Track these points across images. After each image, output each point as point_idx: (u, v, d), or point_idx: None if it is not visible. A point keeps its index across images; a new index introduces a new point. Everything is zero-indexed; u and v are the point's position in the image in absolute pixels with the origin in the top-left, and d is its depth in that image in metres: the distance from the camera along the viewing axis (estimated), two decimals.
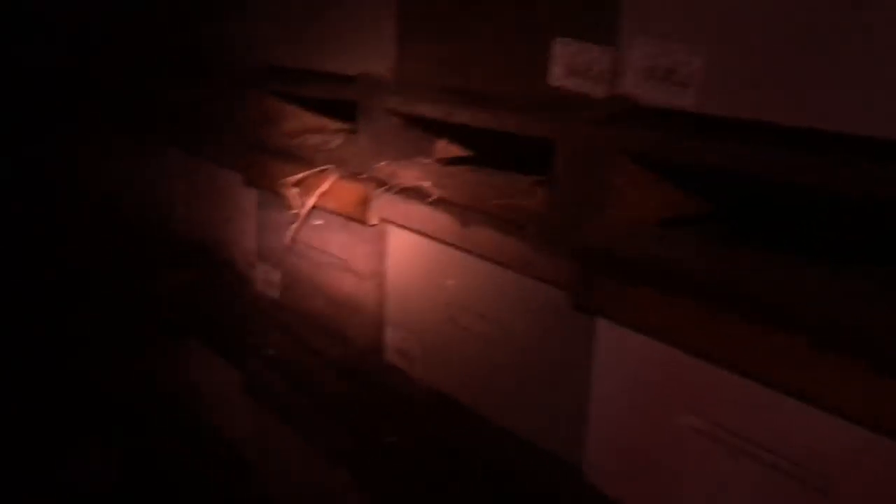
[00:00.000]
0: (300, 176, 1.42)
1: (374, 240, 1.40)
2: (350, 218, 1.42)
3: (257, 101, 1.62)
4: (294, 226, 1.50)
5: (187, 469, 2.17)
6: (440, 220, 1.23)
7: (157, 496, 2.27)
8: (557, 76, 1.06)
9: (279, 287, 1.70)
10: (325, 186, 1.40)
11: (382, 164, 1.32)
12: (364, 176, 1.37)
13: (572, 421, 1.10)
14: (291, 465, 1.76)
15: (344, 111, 1.46)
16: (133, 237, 2.42)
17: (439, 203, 1.22)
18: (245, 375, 1.84)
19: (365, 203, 1.37)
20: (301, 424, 1.68)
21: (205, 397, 2.14)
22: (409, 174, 1.28)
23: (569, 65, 1.04)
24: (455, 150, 1.36)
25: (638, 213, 1.00)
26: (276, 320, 1.73)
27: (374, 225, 1.38)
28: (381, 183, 1.33)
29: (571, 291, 1.05)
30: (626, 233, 1.00)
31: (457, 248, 1.22)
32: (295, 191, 1.43)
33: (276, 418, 1.77)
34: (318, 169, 1.42)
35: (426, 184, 1.22)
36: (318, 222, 1.53)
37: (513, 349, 1.19)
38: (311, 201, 1.42)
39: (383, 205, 1.35)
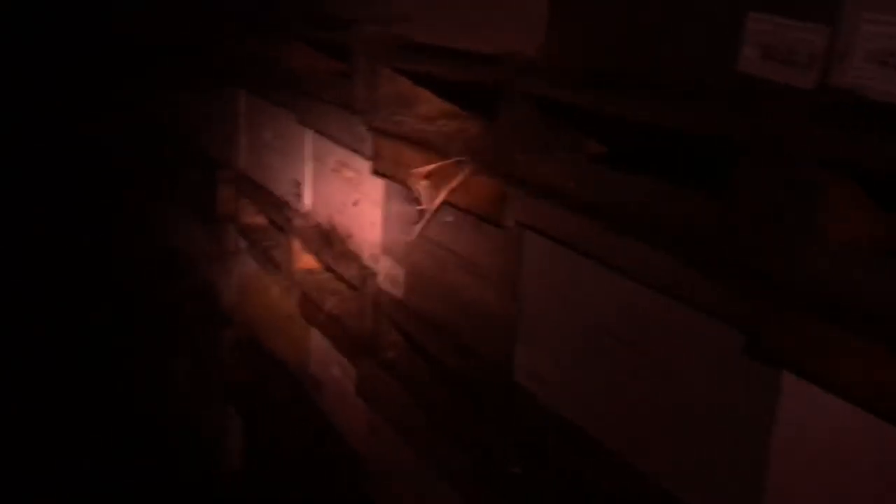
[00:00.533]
0: (431, 167, 1.26)
1: (509, 244, 1.22)
2: (482, 218, 1.25)
3: (389, 79, 1.47)
4: (421, 222, 1.35)
5: (301, 453, 2.08)
6: (586, 228, 1.04)
7: (275, 472, 2.21)
8: (750, 61, 0.85)
9: (402, 285, 1.55)
10: (457, 181, 1.24)
11: (523, 158, 1.14)
12: (501, 171, 1.19)
13: (741, 488, 0.89)
14: (399, 471, 1.62)
15: (481, 96, 1.28)
16: None
17: (586, 208, 1.03)
18: (358, 375, 1.71)
19: (500, 202, 1.20)
20: (412, 434, 1.53)
21: (323, 389, 2.04)
22: (553, 172, 1.09)
23: (766, 46, 0.83)
24: (604, 148, 1.16)
25: (850, 239, 0.78)
26: (396, 321, 1.59)
27: (509, 228, 1.21)
28: (519, 180, 1.15)
29: (750, 332, 0.84)
30: (831, 264, 0.78)
31: (605, 263, 1.03)
32: (424, 184, 1.27)
33: (386, 422, 1.63)
34: (450, 160, 1.25)
35: (571, 184, 1.03)
36: (449, 219, 1.37)
37: (668, 388, 1.00)
38: (440, 196, 1.26)
39: (521, 205, 1.17)
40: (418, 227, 1.34)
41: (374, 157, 1.54)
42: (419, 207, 1.29)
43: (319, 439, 1.99)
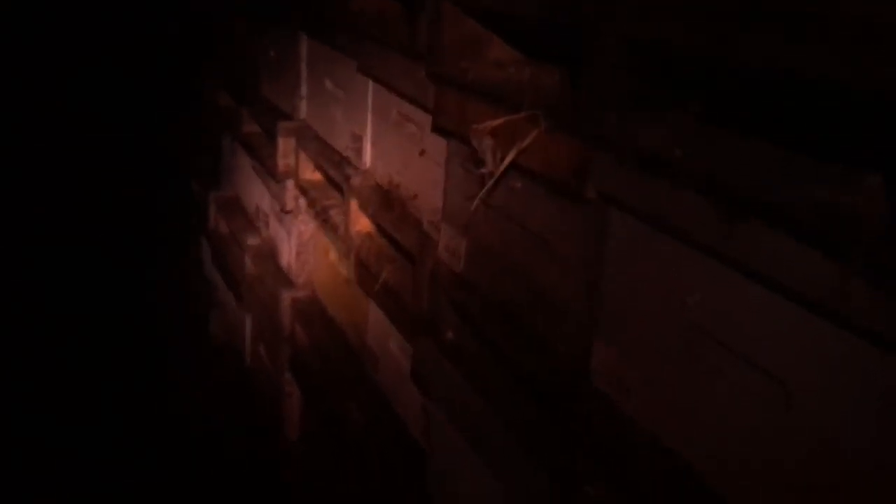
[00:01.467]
0: (498, 122, 1.04)
1: (590, 221, 1.00)
2: (558, 187, 1.03)
3: (453, 20, 1.25)
4: (486, 186, 1.13)
5: (358, 433, 1.92)
6: (693, 208, 0.81)
7: (331, 451, 2.07)
8: None
9: (463, 259, 1.35)
10: (528, 140, 1.02)
11: (612, 116, 0.91)
12: (583, 131, 0.97)
13: None
14: (454, 468, 1.43)
15: (561, 39, 1.05)
16: None
17: (694, 183, 0.80)
18: (413, 356, 1.52)
19: (581, 169, 0.97)
20: (470, 429, 1.34)
21: (380, 366, 1.86)
22: (652, 134, 0.86)
23: None
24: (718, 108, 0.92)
25: None
26: (455, 298, 1.39)
27: (591, 201, 0.99)
28: (606, 143, 0.92)
29: None
30: None
31: (714, 254, 0.80)
32: (490, 142, 1.06)
33: (442, 411, 1.44)
34: (522, 115, 1.03)
35: (676, 152, 0.80)
36: (518, 185, 1.16)
37: (792, 416, 0.77)
38: (508, 157, 1.04)
39: (607, 174, 0.94)
40: (482, 193, 1.12)
41: (436, 110, 1.33)
42: (483, 169, 1.08)
43: (376, 419, 1.83)
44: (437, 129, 1.34)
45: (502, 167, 1.05)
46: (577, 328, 1.06)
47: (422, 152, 1.52)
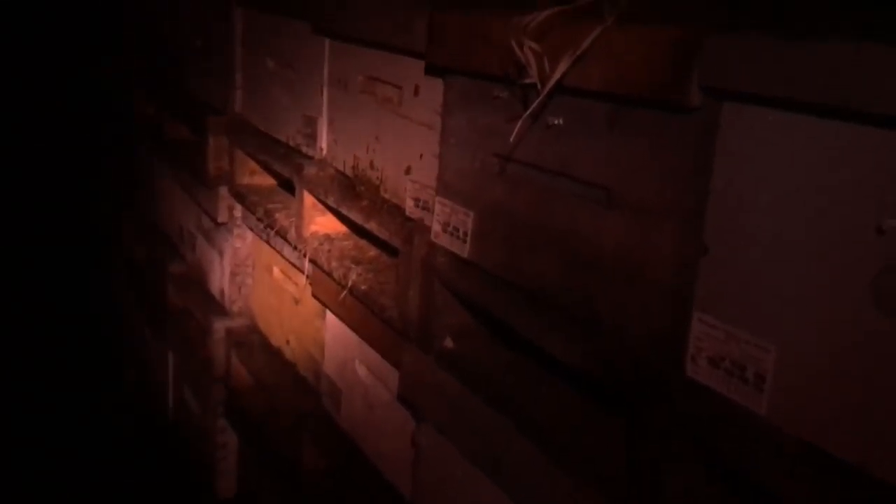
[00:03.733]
0: (545, 15, 0.74)
1: (689, 141, 0.71)
2: (639, 100, 0.73)
3: None
4: (527, 110, 0.82)
5: (313, 482, 1.55)
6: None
7: None
8: None
9: (469, 237, 1.03)
10: (591, 37, 0.72)
11: None
12: (681, 11, 0.67)
13: None
14: None
15: None
16: None
17: None
18: (402, 373, 1.19)
19: (677, 66, 0.68)
20: (485, 453, 1.01)
21: (342, 398, 1.52)
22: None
23: None
24: None
25: None
26: (460, 290, 1.07)
27: (693, 109, 0.69)
28: (718, 20, 0.63)
29: None
30: None
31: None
32: (533, 45, 0.75)
33: (445, 442, 1.11)
34: (575, 3, 0.73)
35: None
36: (556, 121, 0.85)
37: None
38: (561, 66, 0.74)
39: (721, 64, 0.65)
40: (517, 127, 0.81)
41: (431, 42, 1.02)
42: (525, 80, 0.77)
43: (339, 465, 1.47)
44: (432, 67, 1.03)
45: (556, 78, 0.74)
46: (661, 297, 0.76)
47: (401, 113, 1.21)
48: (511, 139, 0.84)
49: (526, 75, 0.77)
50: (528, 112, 0.79)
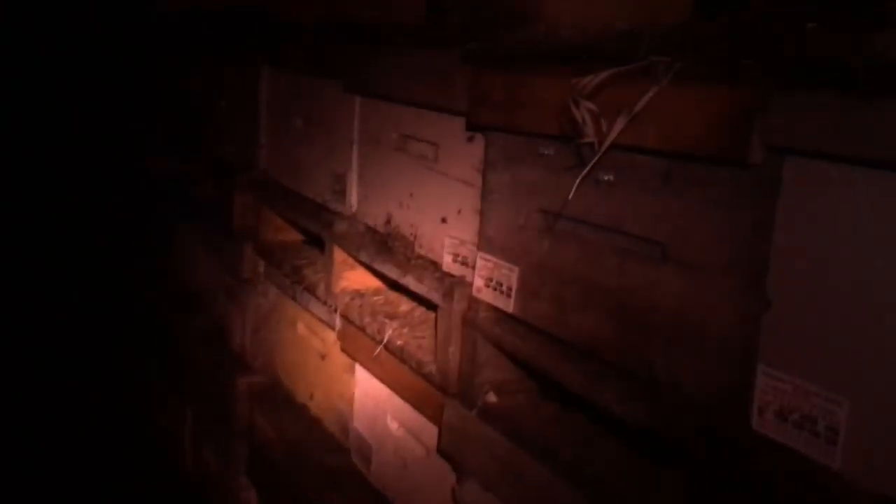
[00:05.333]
0: (603, 76, 0.76)
1: (747, 197, 0.72)
2: (699, 157, 0.74)
3: None
4: (588, 165, 0.84)
5: None
6: None
7: None
8: None
9: (514, 292, 1.04)
10: (648, 96, 0.74)
11: (791, 28, 0.64)
12: (739, 69, 0.69)
13: None
14: None
15: None
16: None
17: None
18: (443, 427, 1.18)
19: (738, 123, 0.69)
20: None
21: (373, 454, 1.51)
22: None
23: None
24: None
25: None
26: (505, 345, 1.07)
27: (752, 166, 0.70)
28: (785, 73, 0.65)
29: None
30: None
31: None
32: (589, 106, 0.77)
33: (485, 494, 1.10)
34: (633, 66, 0.75)
35: None
36: (607, 178, 0.87)
37: None
38: (618, 125, 0.76)
39: (784, 118, 0.66)
40: (582, 174, 0.82)
41: (473, 103, 1.04)
42: (584, 140, 0.79)
43: None
44: (474, 125, 1.05)
45: (612, 135, 0.76)
46: (720, 354, 0.76)
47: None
48: (570, 196, 0.85)
49: (583, 134, 0.78)
50: (586, 170, 0.80)
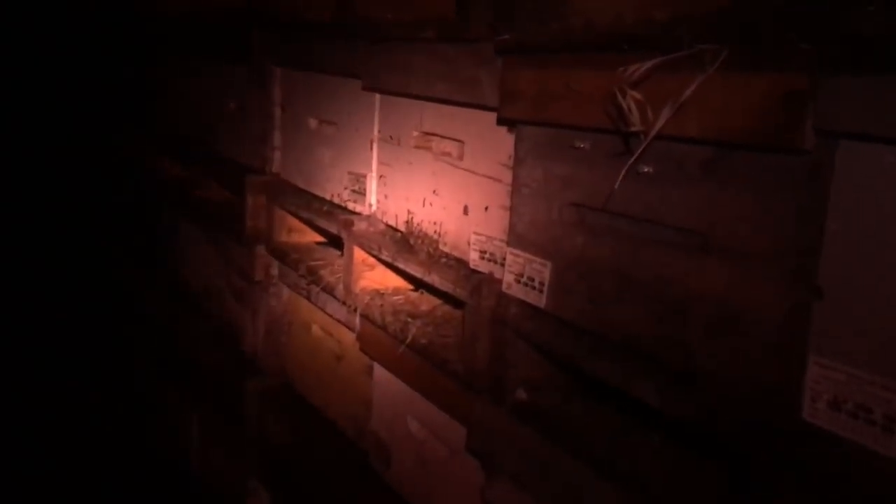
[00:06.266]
0: (649, 65, 0.76)
1: (797, 187, 0.71)
2: (747, 145, 0.74)
3: None
4: (634, 155, 0.83)
5: None
6: None
7: None
8: None
9: (546, 287, 1.03)
10: (695, 84, 0.73)
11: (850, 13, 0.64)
12: (787, 55, 0.69)
13: None
14: None
15: None
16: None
17: None
18: (472, 424, 1.17)
19: (789, 109, 0.69)
20: None
21: (392, 455, 1.50)
22: None
23: None
24: None
25: None
26: (537, 340, 1.06)
27: (804, 153, 0.70)
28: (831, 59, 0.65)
29: None
30: None
31: None
32: (635, 95, 0.77)
33: (518, 492, 1.09)
34: (680, 53, 0.75)
35: None
36: (646, 169, 0.86)
37: None
38: (664, 114, 0.75)
39: (839, 104, 0.66)
40: (628, 164, 0.82)
41: (505, 96, 1.03)
42: (630, 129, 0.78)
43: None
44: (505, 119, 1.05)
45: (659, 125, 0.75)
46: (765, 346, 0.75)
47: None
48: (615, 186, 0.84)
49: (629, 123, 0.78)
50: (633, 159, 0.80)
